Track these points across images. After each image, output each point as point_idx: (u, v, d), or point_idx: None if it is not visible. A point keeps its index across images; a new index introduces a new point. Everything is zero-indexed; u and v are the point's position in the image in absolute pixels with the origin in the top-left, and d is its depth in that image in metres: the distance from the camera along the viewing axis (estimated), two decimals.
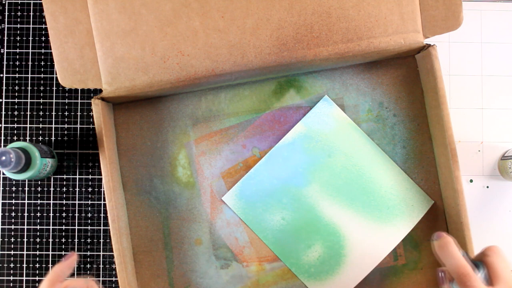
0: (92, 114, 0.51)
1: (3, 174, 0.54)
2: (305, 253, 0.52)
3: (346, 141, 0.53)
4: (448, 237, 0.41)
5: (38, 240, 0.54)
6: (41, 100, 0.54)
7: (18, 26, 0.55)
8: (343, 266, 0.52)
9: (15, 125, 0.54)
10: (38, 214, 0.54)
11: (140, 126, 0.53)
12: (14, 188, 0.54)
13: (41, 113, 0.54)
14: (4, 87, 0.54)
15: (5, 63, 0.54)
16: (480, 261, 0.41)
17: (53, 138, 0.54)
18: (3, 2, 0.55)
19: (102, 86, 0.48)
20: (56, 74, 0.54)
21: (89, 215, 0.54)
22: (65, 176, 0.54)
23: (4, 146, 0.54)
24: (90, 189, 0.54)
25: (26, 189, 0.54)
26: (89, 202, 0.54)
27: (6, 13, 0.55)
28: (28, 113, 0.54)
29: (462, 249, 0.41)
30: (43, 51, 0.55)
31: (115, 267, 0.54)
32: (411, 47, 0.50)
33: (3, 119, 0.54)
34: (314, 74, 0.53)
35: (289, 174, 0.52)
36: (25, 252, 0.53)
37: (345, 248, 0.52)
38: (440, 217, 0.53)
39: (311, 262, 0.52)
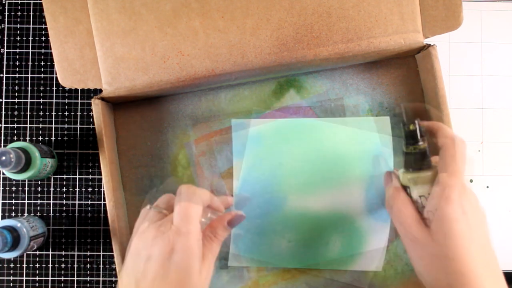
0: (92, 114, 0.51)
1: (3, 174, 0.54)
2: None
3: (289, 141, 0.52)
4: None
5: None
6: (41, 100, 0.54)
7: (18, 26, 0.55)
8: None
9: (15, 125, 0.54)
10: (38, 214, 0.54)
11: (140, 126, 0.53)
12: (14, 188, 0.54)
13: (41, 113, 0.54)
14: (4, 87, 0.54)
15: (5, 63, 0.54)
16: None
17: (53, 138, 0.54)
18: (3, 2, 0.55)
19: (102, 86, 0.48)
20: (56, 74, 0.54)
21: (89, 215, 0.54)
22: (65, 176, 0.54)
23: (4, 146, 0.54)
24: (90, 189, 0.54)
25: (26, 189, 0.54)
26: (89, 202, 0.54)
27: (6, 13, 0.55)
28: (28, 113, 0.54)
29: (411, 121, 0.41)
30: (43, 51, 0.55)
31: (115, 267, 0.54)
32: (411, 47, 0.50)
33: (3, 119, 0.54)
34: (314, 74, 0.53)
35: (266, 198, 0.52)
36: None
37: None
38: None
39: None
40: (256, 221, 0.52)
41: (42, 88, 0.55)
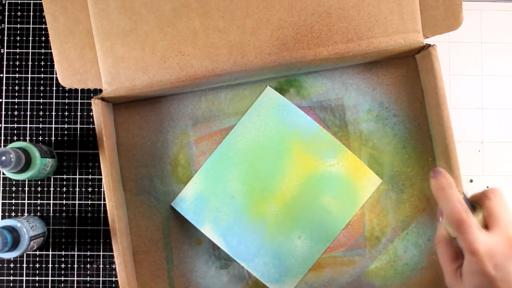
0: (92, 114, 0.51)
1: (3, 174, 0.54)
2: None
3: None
4: (447, 177, 0.38)
5: None
6: (41, 100, 0.54)
7: (18, 26, 0.55)
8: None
9: (15, 125, 0.54)
10: (38, 214, 0.54)
11: (140, 126, 0.53)
12: (14, 188, 0.54)
13: (41, 113, 0.54)
14: (4, 87, 0.54)
15: (5, 63, 0.54)
16: (478, 203, 0.39)
17: (53, 138, 0.54)
18: (3, 2, 0.55)
19: (102, 86, 0.48)
20: (56, 74, 0.54)
21: (89, 215, 0.54)
22: (65, 176, 0.54)
23: (4, 146, 0.54)
24: (90, 189, 0.54)
25: (26, 189, 0.54)
26: (89, 202, 0.54)
27: (6, 13, 0.55)
28: (28, 113, 0.54)
29: (460, 190, 0.39)
30: (43, 51, 0.55)
31: (115, 267, 0.54)
32: (411, 47, 0.50)
33: (3, 119, 0.54)
34: (314, 74, 0.53)
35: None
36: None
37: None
38: None
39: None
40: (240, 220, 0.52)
41: (42, 88, 0.55)
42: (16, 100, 0.54)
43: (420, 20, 0.49)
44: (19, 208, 0.54)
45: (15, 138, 0.54)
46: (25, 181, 0.54)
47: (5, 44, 0.54)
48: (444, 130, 0.49)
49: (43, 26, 0.55)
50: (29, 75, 0.55)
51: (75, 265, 0.54)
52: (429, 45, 0.49)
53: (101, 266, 0.54)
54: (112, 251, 0.53)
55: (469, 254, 0.36)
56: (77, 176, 0.54)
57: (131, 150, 0.53)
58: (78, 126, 0.54)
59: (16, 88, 0.54)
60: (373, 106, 0.53)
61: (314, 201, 0.52)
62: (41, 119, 0.54)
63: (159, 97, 0.53)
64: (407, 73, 0.53)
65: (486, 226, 0.38)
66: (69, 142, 0.54)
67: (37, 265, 0.53)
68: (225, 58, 0.48)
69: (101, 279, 0.54)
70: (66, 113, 0.54)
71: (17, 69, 0.54)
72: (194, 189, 0.52)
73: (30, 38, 0.55)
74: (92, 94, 0.55)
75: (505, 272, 0.36)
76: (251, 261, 0.52)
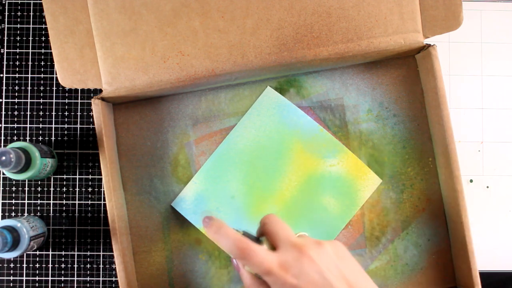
0: (92, 114, 0.51)
1: (3, 174, 0.54)
2: None
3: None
4: (217, 219, 0.39)
5: None
6: (41, 100, 0.54)
7: (18, 26, 0.55)
8: None
9: (15, 125, 0.54)
10: (38, 214, 0.54)
11: (140, 126, 0.53)
12: (14, 188, 0.54)
13: (41, 113, 0.54)
14: (4, 87, 0.54)
15: (5, 63, 0.54)
16: (261, 234, 0.40)
17: (53, 138, 0.54)
18: (3, 2, 0.55)
19: (102, 86, 0.48)
20: (56, 74, 0.54)
21: (89, 215, 0.54)
22: (65, 176, 0.54)
23: (4, 146, 0.54)
24: (90, 189, 0.54)
25: (26, 189, 0.54)
26: (89, 202, 0.54)
27: (6, 13, 0.55)
28: (28, 113, 0.54)
29: (241, 230, 0.40)
30: (43, 51, 0.55)
31: (115, 267, 0.54)
32: (411, 47, 0.50)
33: (3, 119, 0.54)
34: (314, 74, 0.53)
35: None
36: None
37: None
38: (440, 217, 0.53)
39: None
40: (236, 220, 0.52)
41: (42, 88, 0.55)
42: (16, 100, 0.54)
43: (420, 20, 0.49)
44: (19, 208, 0.54)
45: (15, 138, 0.54)
46: (25, 181, 0.54)
47: (5, 44, 0.54)
48: (444, 130, 0.49)
49: (43, 26, 0.55)
50: (29, 75, 0.55)
51: (75, 265, 0.54)
52: (429, 45, 0.49)
53: (101, 266, 0.54)
54: (112, 251, 0.53)
55: (266, 276, 0.36)
56: (77, 176, 0.54)
57: (131, 150, 0.53)
58: (78, 126, 0.54)
59: (16, 88, 0.54)
60: (373, 106, 0.53)
61: (314, 201, 0.52)
62: (41, 119, 0.54)
63: (159, 97, 0.53)
64: (407, 73, 0.53)
65: (274, 248, 0.38)
66: (69, 142, 0.54)
67: (37, 265, 0.53)
68: (225, 58, 0.48)
69: (101, 279, 0.54)
70: (66, 113, 0.54)
71: (17, 69, 0.54)
72: (194, 189, 0.52)
73: (30, 38, 0.55)
74: (92, 94, 0.55)
75: (304, 275, 0.35)
76: None
